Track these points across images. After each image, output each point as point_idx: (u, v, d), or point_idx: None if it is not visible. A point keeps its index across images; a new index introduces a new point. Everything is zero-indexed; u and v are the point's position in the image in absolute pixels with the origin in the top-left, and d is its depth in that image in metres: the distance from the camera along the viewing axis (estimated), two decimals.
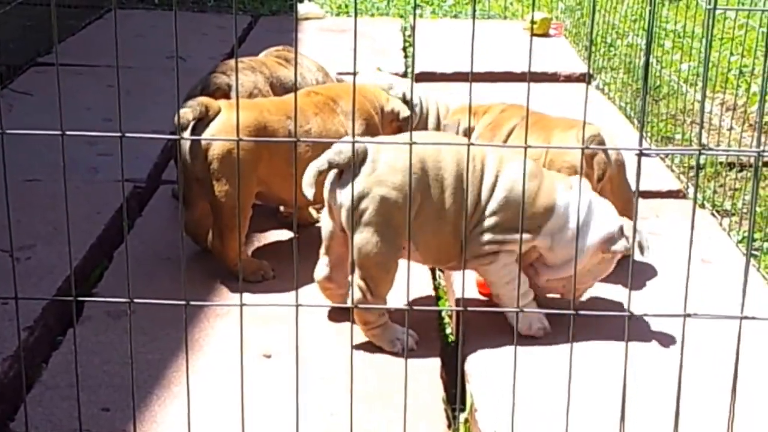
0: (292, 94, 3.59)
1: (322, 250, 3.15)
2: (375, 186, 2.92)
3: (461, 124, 3.73)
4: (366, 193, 2.92)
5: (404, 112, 3.70)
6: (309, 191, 2.93)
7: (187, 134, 3.31)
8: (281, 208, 3.83)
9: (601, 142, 3.41)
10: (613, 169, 3.48)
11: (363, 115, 3.59)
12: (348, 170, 2.95)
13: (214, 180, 3.31)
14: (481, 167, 3.05)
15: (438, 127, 3.95)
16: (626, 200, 3.50)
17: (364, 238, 2.92)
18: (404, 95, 3.84)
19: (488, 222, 3.01)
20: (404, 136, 3.03)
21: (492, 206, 3.01)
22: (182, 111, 3.26)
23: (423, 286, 3.49)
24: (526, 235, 2.98)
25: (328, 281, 3.16)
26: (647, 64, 1.93)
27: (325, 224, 3.11)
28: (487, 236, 3.00)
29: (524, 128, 3.63)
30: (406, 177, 2.86)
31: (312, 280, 3.28)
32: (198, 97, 3.46)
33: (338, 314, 3.22)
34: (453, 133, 3.74)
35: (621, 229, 3.05)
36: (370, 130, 3.59)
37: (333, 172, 2.99)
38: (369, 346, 3.07)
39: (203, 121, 3.33)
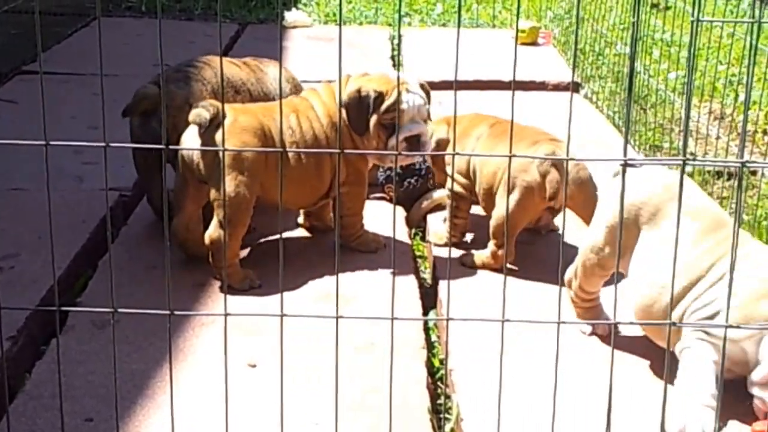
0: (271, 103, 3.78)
1: None
2: None
3: (435, 136, 3.85)
4: None
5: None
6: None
7: (194, 136, 3.42)
8: (299, 219, 3.98)
9: (554, 165, 3.44)
10: (571, 188, 3.48)
11: (328, 113, 3.64)
12: None
13: (225, 176, 3.39)
14: None
15: None
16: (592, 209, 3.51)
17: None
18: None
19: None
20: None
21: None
22: (198, 110, 3.40)
23: (410, 295, 3.47)
24: None
25: None
26: (632, 73, 1.93)
27: None
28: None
29: (491, 137, 3.73)
30: None
31: (297, 288, 3.27)
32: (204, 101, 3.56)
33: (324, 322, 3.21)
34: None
35: None
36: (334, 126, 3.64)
37: None
38: (355, 356, 3.06)
39: (214, 121, 3.40)
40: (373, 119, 3.57)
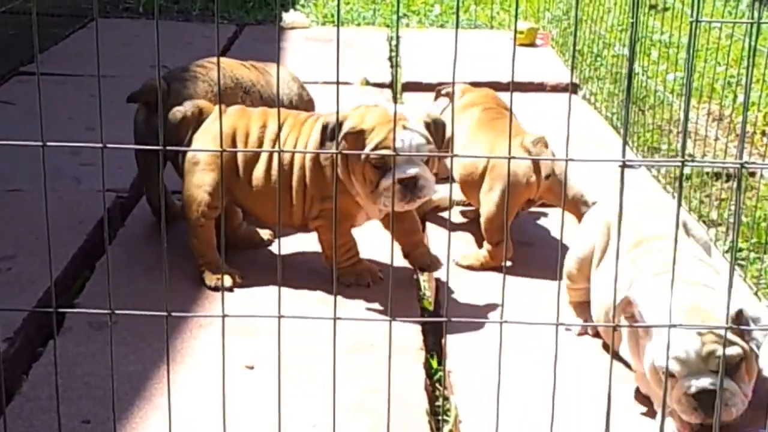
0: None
1: None
2: None
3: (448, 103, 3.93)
4: None
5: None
6: None
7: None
8: None
9: (546, 144, 3.51)
10: (550, 181, 3.56)
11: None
12: None
13: (185, 176, 3.48)
14: None
15: None
16: (570, 197, 3.61)
17: None
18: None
19: None
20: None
21: None
22: (175, 108, 3.48)
23: (408, 296, 3.47)
24: None
25: None
26: (630, 74, 1.93)
27: None
28: None
29: (478, 122, 3.77)
30: None
31: (296, 290, 3.26)
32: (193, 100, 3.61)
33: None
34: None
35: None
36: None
37: None
38: (353, 358, 3.05)
39: (192, 121, 3.49)
40: (359, 160, 3.24)
